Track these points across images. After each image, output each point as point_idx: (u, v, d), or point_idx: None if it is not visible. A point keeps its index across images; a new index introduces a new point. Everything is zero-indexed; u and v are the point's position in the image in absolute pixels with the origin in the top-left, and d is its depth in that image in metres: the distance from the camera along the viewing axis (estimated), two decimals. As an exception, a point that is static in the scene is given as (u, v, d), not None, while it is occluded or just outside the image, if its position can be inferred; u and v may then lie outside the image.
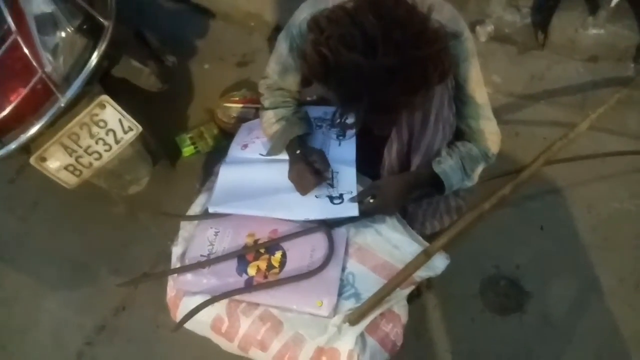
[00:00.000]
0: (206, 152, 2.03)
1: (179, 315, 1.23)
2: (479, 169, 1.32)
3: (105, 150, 1.38)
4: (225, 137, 1.99)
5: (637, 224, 1.70)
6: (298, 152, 1.31)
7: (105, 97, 1.30)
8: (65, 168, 1.35)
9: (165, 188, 1.88)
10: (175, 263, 1.28)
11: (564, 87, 2.11)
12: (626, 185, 1.79)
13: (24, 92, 1.15)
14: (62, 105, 1.21)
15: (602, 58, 2.14)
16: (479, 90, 1.25)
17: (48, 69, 1.16)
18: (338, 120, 1.29)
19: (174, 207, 1.42)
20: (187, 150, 2.00)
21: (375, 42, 0.93)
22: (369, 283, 1.20)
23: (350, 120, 1.28)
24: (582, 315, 1.52)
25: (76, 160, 1.35)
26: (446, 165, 1.24)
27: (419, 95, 1.04)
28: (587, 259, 1.63)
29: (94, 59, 1.27)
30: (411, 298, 1.53)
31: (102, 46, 1.28)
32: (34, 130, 1.22)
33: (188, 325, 1.24)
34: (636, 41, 2.07)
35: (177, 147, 2.02)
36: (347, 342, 1.11)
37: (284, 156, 1.35)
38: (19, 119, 1.21)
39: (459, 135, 1.31)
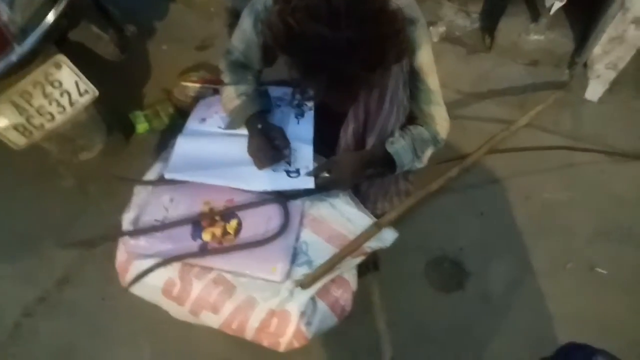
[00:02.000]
0: (161, 130, 2.01)
1: (127, 280, 1.22)
2: (429, 151, 1.39)
3: (59, 112, 1.33)
4: (181, 116, 1.98)
5: (567, 213, 1.84)
6: (260, 126, 1.33)
7: (61, 57, 1.26)
8: (15, 128, 1.29)
9: (117, 163, 1.84)
10: (127, 228, 1.27)
11: (507, 88, 2.26)
12: (559, 178, 1.94)
13: (-25, 39, 1.10)
14: (15, 58, 1.16)
15: (542, 62, 2.32)
16: (431, 76, 1.32)
17: (4, 17, 1.11)
18: (297, 96, 1.33)
19: (126, 181, 1.39)
20: (142, 127, 1.97)
21: (340, 15, 0.97)
22: (321, 252, 1.23)
23: (308, 97, 1.33)
24: (517, 293, 1.63)
25: (27, 120, 1.30)
26: (399, 146, 1.30)
27: (376, 71, 1.10)
28: (522, 243, 1.76)
29: (52, 15, 1.22)
30: (359, 275, 1.60)
31: (61, 4, 1.24)
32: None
33: (137, 291, 1.23)
34: (571, 48, 2.25)
35: (130, 123, 1.98)
36: (298, 304, 1.14)
37: (242, 131, 1.37)
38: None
39: (411, 119, 1.37)
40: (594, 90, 2.21)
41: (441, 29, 2.42)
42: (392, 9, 1.05)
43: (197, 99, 1.98)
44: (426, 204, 1.76)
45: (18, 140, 1.32)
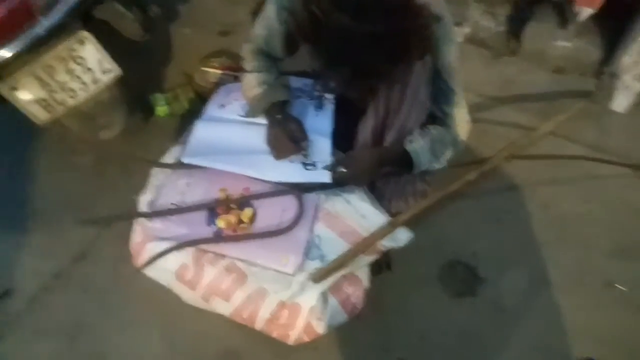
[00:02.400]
0: (180, 114, 2.00)
1: (141, 262, 1.21)
2: (448, 153, 1.37)
3: (81, 89, 1.33)
4: (201, 101, 1.96)
5: (586, 226, 1.80)
6: (279, 116, 1.32)
7: (85, 33, 1.26)
8: (37, 102, 1.29)
9: (136, 144, 1.84)
10: (143, 209, 1.26)
11: (531, 94, 2.22)
12: (579, 190, 1.89)
13: (3, 10, 1.10)
14: (41, 31, 1.16)
15: (568, 70, 2.27)
16: (455, 76, 1.30)
17: (30, -10, 1.11)
18: (318, 88, 1.31)
19: (144, 162, 1.39)
20: (161, 110, 1.97)
21: (366, 7, 0.96)
22: (334, 247, 1.22)
23: (329, 89, 1.31)
24: (530, 304, 1.60)
25: (50, 95, 1.30)
26: (417, 145, 1.28)
27: (399, 66, 1.08)
28: (538, 253, 1.72)
29: (78, -10, 1.22)
30: (372, 274, 1.59)
31: (87, -21, 1.23)
32: (8, 52, 1.16)
33: (151, 274, 1.23)
34: (599, 57, 2.20)
35: (150, 105, 1.98)
36: (309, 298, 1.13)
37: (261, 120, 1.36)
38: (-5, 38, 1.15)
39: (432, 119, 1.35)
40: (621, 102, 2.15)
41: (466, 29, 2.38)
42: (418, 5, 1.04)
43: (218, 85, 1.98)
44: (442, 207, 1.74)
45: (40, 115, 1.32)
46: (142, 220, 1.23)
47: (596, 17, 2.10)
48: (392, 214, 1.39)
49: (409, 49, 1.04)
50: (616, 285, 1.66)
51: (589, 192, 1.89)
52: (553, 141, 1.99)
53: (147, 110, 1.96)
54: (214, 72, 1.99)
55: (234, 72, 1.93)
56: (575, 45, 2.23)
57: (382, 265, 1.60)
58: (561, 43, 2.24)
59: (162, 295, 1.25)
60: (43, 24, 1.18)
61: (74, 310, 1.50)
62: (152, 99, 1.98)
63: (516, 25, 2.35)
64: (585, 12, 2.00)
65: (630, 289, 1.65)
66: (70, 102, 1.35)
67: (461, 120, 1.35)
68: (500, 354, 1.51)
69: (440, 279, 1.64)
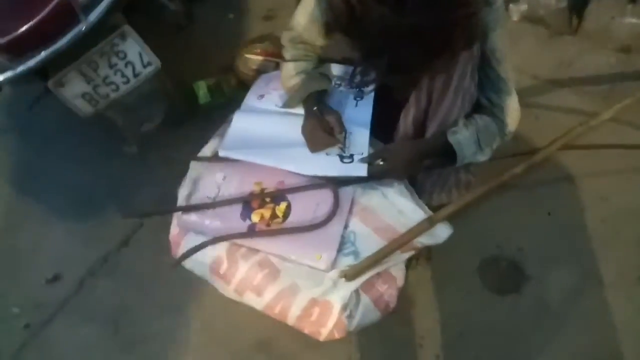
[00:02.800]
0: (222, 101, 2.02)
1: (179, 253, 1.25)
2: (494, 144, 1.30)
3: (123, 83, 1.37)
4: (244, 88, 1.95)
5: (646, 221, 1.67)
6: (315, 108, 1.30)
7: (127, 27, 1.29)
8: (82, 96, 1.34)
9: (178, 133, 1.88)
10: (181, 202, 1.30)
11: (592, 76, 2.05)
12: (641, 181, 1.76)
13: (46, 9, 1.14)
14: (84, 28, 1.20)
15: (635, 50, 2.07)
16: (504, 63, 1.22)
17: (73, -11, 1.14)
18: (357, 77, 1.28)
19: (184, 151, 1.42)
20: (204, 97, 1.99)
21: None
22: (369, 243, 1.20)
23: (368, 79, 1.27)
24: (578, 304, 1.51)
25: (93, 89, 1.35)
26: (461, 136, 1.22)
27: (442, 58, 1.02)
28: (591, 250, 1.61)
29: (120, -16, 1.25)
30: (409, 266, 1.55)
31: (128, -26, 1.25)
32: (53, 49, 1.21)
33: (188, 265, 1.27)
34: (673, 35, 2.00)
35: (193, 93, 2.01)
36: (341, 296, 1.12)
37: (299, 110, 1.34)
38: (39, 38, 1.20)
39: (478, 108, 1.28)
40: (696, 84, 1.95)
41: (523, 6, 2.22)
42: None
43: (260, 72, 1.97)
44: (487, 198, 1.66)
45: (85, 109, 1.38)
46: (179, 213, 1.26)
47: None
48: (434, 208, 1.35)
49: (453, 41, 0.98)
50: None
51: (653, 185, 1.75)
52: (615, 128, 1.83)
53: (190, 98, 1.98)
54: (255, 58, 1.98)
55: (277, 58, 1.91)
56: (645, 21, 2.03)
57: (421, 259, 1.57)
58: (629, 19, 2.03)
59: (201, 284, 1.29)
60: (86, 22, 1.21)
61: (117, 296, 1.59)
62: (195, 87, 2.00)
63: (579, 1, 2.17)
64: (659, -16, 1.81)
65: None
66: (113, 95, 1.39)
67: (510, 109, 1.27)
68: (543, 357, 1.44)
69: (482, 275, 1.58)
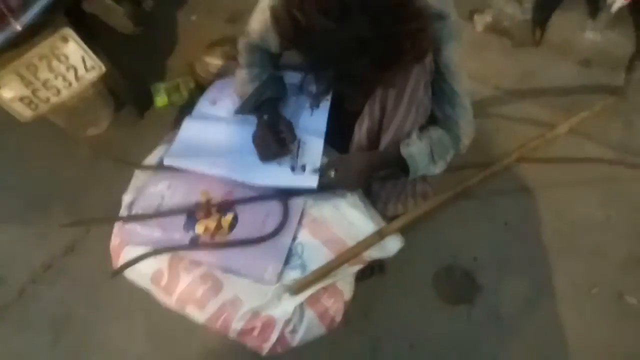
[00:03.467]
0: (180, 105, 1.98)
1: (119, 264, 1.20)
2: (448, 157, 1.29)
3: (65, 87, 1.32)
4: (202, 92, 1.92)
5: (600, 233, 1.69)
6: (265, 116, 1.27)
7: (67, 30, 1.23)
8: (21, 100, 1.28)
9: (132, 135, 1.83)
10: (123, 211, 1.25)
11: (553, 88, 2.07)
12: (598, 194, 1.77)
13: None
14: (18, 29, 1.14)
15: (596, 63, 2.10)
16: (458, 77, 1.21)
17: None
18: (307, 86, 1.25)
19: (139, 156, 1.37)
20: (160, 100, 1.95)
21: (351, 10, 0.88)
22: (317, 256, 1.17)
23: (318, 89, 1.25)
24: (530, 315, 1.52)
25: (33, 93, 1.29)
26: (414, 149, 1.21)
27: (391, 71, 1.00)
28: (545, 260, 1.63)
29: (57, -16, 1.19)
30: (363, 277, 1.53)
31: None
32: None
33: (130, 276, 1.22)
34: (631, 51, 2.03)
35: (150, 95, 1.96)
36: (284, 310, 1.10)
37: (252, 118, 1.31)
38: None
39: (433, 120, 1.27)
40: (653, 99, 1.99)
41: (487, 17, 2.23)
42: (416, 6, 0.95)
43: (219, 75, 1.93)
44: (444, 208, 1.65)
45: (24, 112, 1.32)
46: (119, 222, 1.21)
47: (631, 7, 1.92)
48: (389, 217, 1.34)
49: (401, 54, 0.96)
50: (627, 297, 1.56)
51: (608, 197, 1.77)
52: (573, 140, 1.87)
53: (147, 100, 1.94)
54: (215, 62, 1.94)
55: (236, 62, 1.88)
56: (605, 36, 2.06)
57: (374, 269, 1.55)
58: (590, 34, 2.07)
59: (147, 292, 1.24)
60: (18, 22, 1.15)
61: (61, 304, 1.53)
62: (152, 89, 1.96)
63: (542, 13, 2.19)
64: (618, 1, 1.83)
65: (642, 302, 1.55)
66: (54, 99, 1.33)
67: (465, 122, 1.26)
68: (495, 368, 1.44)
69: (436, 285, 1.58)
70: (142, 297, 1.25)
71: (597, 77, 2.08)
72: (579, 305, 1.54)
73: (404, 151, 1.20)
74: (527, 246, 1.67)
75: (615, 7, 1.84)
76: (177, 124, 1.42)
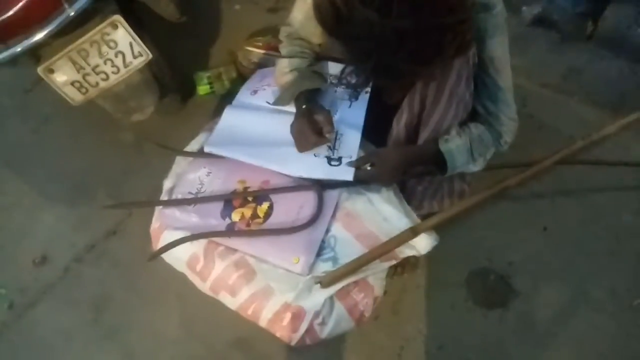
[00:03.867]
0: (221, 94, 2.01)
1: (158, 247, 1.24)
2: (488, 154, 1.27)
3: (113, 72, 1.37)
4: (243, 81, 1.94)
5: (645, 241, 1.62)
6: (304, 107, 1.27)
7: (118, 17, 1.27)
8: (72, 84, 1.34)
9: (174, 123, 1.87)
10: (163, 196, 1.29)
11: (603, 86, 1.98)
12: (643, 200, 1.70)
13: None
14: (71, 14, 1.19)
15: (651, 62, 2.00)
16: (503, 71, 1.18)
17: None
18: (346, 78, 1.25)
19: (180, 143, 1.41)
20: (203, 88, 1.98)
21: (392, 1, 0.87)
22: (349, 250, 1.18)
23: (357, 81, 1.24)
24: (565, 324, 1.47)
25: (83, 77, 1.34)
26: (453, 145, 1.19)
27: (430, 65, 0.99)
28: (584, 268, 1.57)
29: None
30: (394, 273, 1.53)
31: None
32: (39, 36, 1.21)
33: (167, 259, 1.26)
34: (691, 49, 1.91)
35: (193, 83, 2.00)
36: (314, 302, 1.11)
37: (291, 108, 1.32)
38: (25, 23, 1.20)
39: (474, 116, 1.24)
40: None
41: (536, 9, 2.15)
42: None
43: (260, 65, 1.95)
44: (481, 209, 1.62)
45: (75, 96, 1.38)
46: (159, 207, 1.25)
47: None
48: (424, 216, 1.32)
49: (442, 47, 0.94)
50: (673, 312, 1.48)
51: (656, 203, 1.69)
52: (620, 142, 1.77)
53: (190, 88, 1.98)
54: (257, 51, 1.96)
55: (277, 52, 1.88)
56: (663, 32, 1.95)
57: (407, 266, 1.54)
58: (646, 29, 1.97)
59: (184, 278, 1.27)
60: (71, 8, 1.20)
61: (101, 284, 1.59)
62: (195, 77, 1.99)
63: (596, 6, 2.09)
64: (680, -6, 1.73)
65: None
66: (103, 84, 1.39)
67: (507, 119, 1.24)
68: (524, 376, 1.41)
69: (469, 287, 1.54)
70: (178, 282, 1.29)
71: (652, 77, 1.98)
72: (619, 317, 1.47)
73: (443, 147, 1.19)
74: (566, 252, 1.60)
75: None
76: (218, 112, 1.44)
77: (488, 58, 1.15)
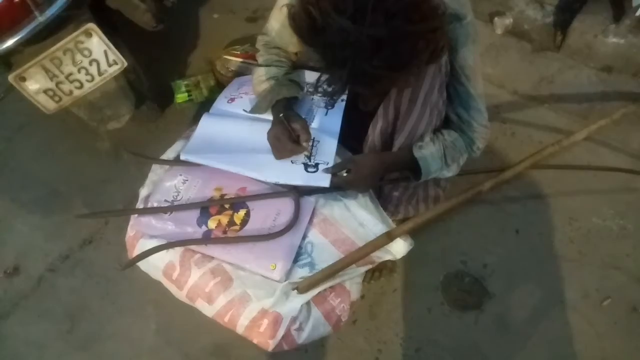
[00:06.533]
0: (200, 102, 2.01)
1: (134, 255, 1.23)
2: (461, 160, 1.30)
3: (87, 81, 1.36)
4: (222, 89, 1.95)
5: (614, 243, 1.67)
6: (281, 115, 1.28)
7: (92, 26, 1.27)
8: (45, 92, 1.33)
9: (152, 131, 1.87)
10: (139, 204, 1.28)
11: (572, 94, 2.05)
12: (613, 203, 1.75)
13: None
14: (41, 21, 1.18)
15: (617, 70, 2.07)
16: (474, 79, 1.21)
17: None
18: (322, 86, 1.26)
19: (157, 151, 1.40)
20: (181, 97, 1.98)
21: (366, 9, 0.89)
22: (326, 255, 1.19)
23: (333, 89, 1.26)
24: (539, 324, 1.51)
25: (56, 85, 1.33)
26: (427, 151, 1.21)
27: (405, 72, 1.01)
28: (556, 270, 1.61)
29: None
30: (371, 278, 1.54)
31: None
32: (8, 43, 1.20)
33: (143, 268, 1.25)
34: (654, 58, 1.99)
35: (172, 92, 2.00)
36: (291, 308, 1.11)
37: (268, 116, 1.33)
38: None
39: (447, 123, 1.27)
40: (676, 108, 1.95)
41: (507, 20, 2.21)
42: (432, 4, 0.95)
43: (238, 73, 1.96)
44: (456, 212, 1.65)
45: (48, 104, 1.36)
46: (135, 215, 1.24)
47: (655, 12, 1.89)
48: (400, 221, 1.34)
49: (416, 54, 0.96)
50: (640, 311, 1.53)
51: (624, 208, 1.74)
52: (590, 148, 1.85)
53: (168, 96, 1.97)
54: (234, 60, 1.97)
55: (255, 61, 1.90)
56: (628, 42, 2.02)
57: (383, 270, 1.56)
58: (612, 39, 2.04)
59: (160, 285, 1.27)
60: (42, 15, 1.19)
61: (76, 294, 1.57)
62: (173, 85, 2.00)
63: (565, 16, 2.16)
64: (644, 5, 1.80)
65: (657, 317, 1.52)
66: (77, 92, 1.38)
67: (479, 125, 1.26)
68: (500, 376, 1.44)
69: (444, 290, 1.57)
70: (155, 290, 1.29)
71: (618, 84, 2.05)
72: (590, 317, 1.52)
73: (417, 153, 1.21)
74: (538, 255, 1.65)
75: (640, 12, 1.81)
76: (196, 120, 1.44)
77: (460, 66, 1.18)
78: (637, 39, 2.01)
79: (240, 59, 1.97)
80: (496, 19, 2.22)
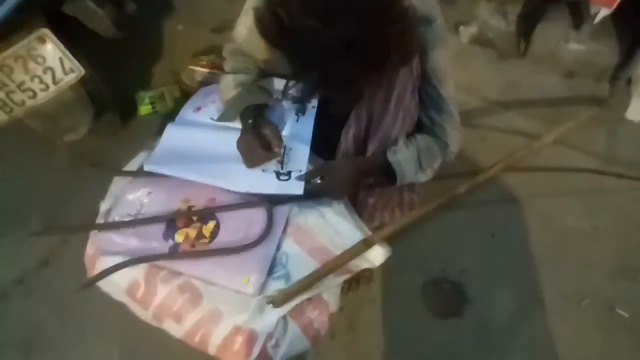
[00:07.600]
0: (164, 113, 1.94)
1: (93, 274, 1.15)
2: (436, 164, 1.28)
3: (42, 90, 1.27)
4: (187, 100, 1.91)
5: (589, 243, 1.68)
6: (250, 121, 1.24)
7: (45, 31, 1.19)
8: (-6, 102, 1.24)
9: (114, 143, 1.78)
10: (99, 219, 1.20)
11: (538, 99, 2.09)
12: (584, 204, 1.77)
13: None
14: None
15: (580, 74, 2.13)
16: (445, 82, 1.20)
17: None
18: (290, 91, 1.23)
19: (119, 164, 1.33)
20: (144, 109, 1.91)
21: (335, 10, 0.86)
22: (302, 266, 1.13)
23: (302, 94, 1.23)
24: (520, 327, 1.49)
25: (7, 95, 1.24)
26: (401, 156, 1.19)
27: (375, 74, 0.98)
28: (534, 272, 1.61)
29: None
30: (349, 288, 1.50)
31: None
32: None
33: (105, 288, 1.16)
34: (614, 62, 2.05)
35: (135, 103, 1.92)
36: (267, 323, 1.05)
37: (237, 124, 1.28)
38: None
39: (420, 127, 1.25)
40: (636, 110, 2.00)
41: (472, 29, 2.25)
42: (402, 6, 0.93)
43: (204, 84, 1.91)
44: (432, 218, 1.63)
45: (-2, 116, 1.27)
46: (95, 231, 1.16)
47: (613, 18, 1.96)
48: (376, 228, 1.30)
49: (387, 56, 0.94)
50: (617, 310, 1.54)
51: (595, 207, 1.77)
52: (558, 151, 1.87)
53: (129, 108, 1.90)
54: (200, 70, 1.92)
55: (221, 71, 1.86)
56: (589, 48, 2.09)
57: (361, 279, 1.52)
58: (574, 45, 2.10)
59: (124, 307, 1.18)
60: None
61: (32, 320, 1.46)
62: (136, 97, 1.92)
63: (527, 25, 2.22)
64: (602, 12, 1.86)
65: (633, 314, 1.53)
66: (30, 102, 1.29)
67: (452, 128, 1.25)
68: (484, 383, 1.41)
69: (424, 297, 1.54)
70: (118, 313, 1.20)
71: (582, 88, 2.11)
72: (570, 317, 1.52)
73: (391, 158, 1.18)
74: (515, 257, 1.65)
75: (599, 18, 1.86)
76: (161, 132, 1.37)
77: (431, 69, 1.17)
78: (597, 44, 2.08)
79: (206, 70, 1.92)
80: (461, 27, 2.25)
